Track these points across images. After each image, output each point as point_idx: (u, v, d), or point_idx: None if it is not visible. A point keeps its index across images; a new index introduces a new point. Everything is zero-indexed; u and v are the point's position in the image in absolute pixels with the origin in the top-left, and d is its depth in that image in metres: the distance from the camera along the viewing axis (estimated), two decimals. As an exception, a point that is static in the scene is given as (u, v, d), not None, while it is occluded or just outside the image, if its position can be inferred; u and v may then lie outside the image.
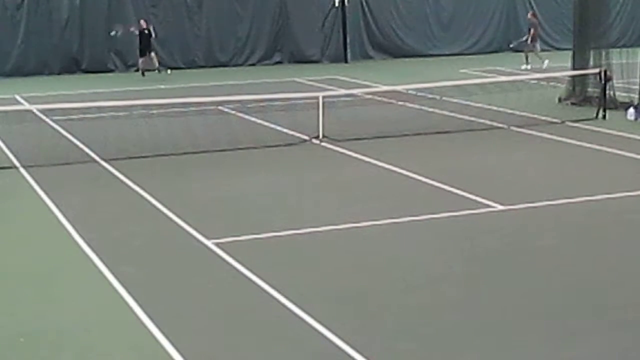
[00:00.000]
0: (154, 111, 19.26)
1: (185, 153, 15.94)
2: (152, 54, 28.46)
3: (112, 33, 28.17)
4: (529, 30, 29.55)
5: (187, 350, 7.62)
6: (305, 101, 19.29)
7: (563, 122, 18.59)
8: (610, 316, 8.27)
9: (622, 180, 13.53)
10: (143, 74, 28.17)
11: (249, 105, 20.44)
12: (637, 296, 8.82)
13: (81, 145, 16.84)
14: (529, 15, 30.86)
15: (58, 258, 10.40)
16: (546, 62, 28.41)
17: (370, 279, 9.41)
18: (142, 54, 28.55)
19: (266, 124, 18.86)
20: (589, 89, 20.69)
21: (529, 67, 28.79)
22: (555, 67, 24.25)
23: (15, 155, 15.96)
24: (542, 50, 34.51)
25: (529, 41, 29.27)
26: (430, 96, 21.53)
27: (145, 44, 28.40)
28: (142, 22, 28.60)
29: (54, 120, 19.51)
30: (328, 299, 8.82)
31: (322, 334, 7.89)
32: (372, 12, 33.04)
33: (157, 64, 28.38)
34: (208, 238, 10.75)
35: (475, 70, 28.58)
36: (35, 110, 19.89)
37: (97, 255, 10.22)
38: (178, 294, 9.08)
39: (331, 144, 16.59)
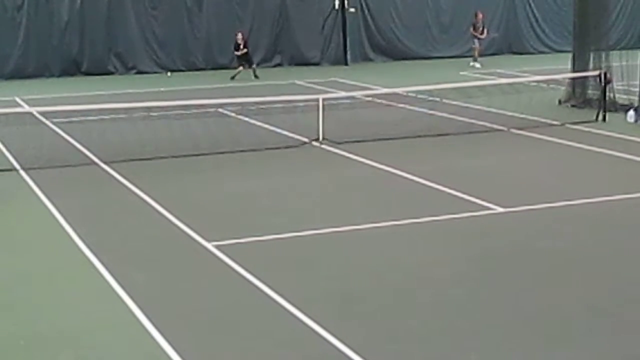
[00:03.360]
0: (154, 113, 19.26)
1: (185, 155, 15.93)
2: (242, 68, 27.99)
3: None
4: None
5: (187, 352, 7.62)
6: (305, 103, 19.27)
7: (563, 124, 18.60)
8: (610, 317, 8.28)
9: (622, 182, 13.52)
10: (233, 77, 27.64)
11: (249, 108, 20.45)
12: (637, 297, 8.82)
13: (81, 148, 16.84)
14: (480, 15, 31.32)
15: (58, 260, 10.40)
16: (477, 65, 30.38)
17: (370, 281, 9.42)
18: (247, 65, 28.02)
19: (266, 126, 18.87)
20: (589, 91, 20.69)
21: (477, 64, 30.27)
22: (555, 70, 24.24)
23: (15, 158, 15.95)
24: (542, 52, 34.74)
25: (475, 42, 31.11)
26: (430, 98, 21.52)
27: (243, 57, 28.05)
28: (239, 35, 28.19)
29: (54, 123, 19.50)
30: (328, 301, 8.82)
31: (323, 337, 7.89)
32: (372, 14, 33.03)
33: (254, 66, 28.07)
34: (208, 240, 10.75)
35: (475, 73, 28.61)
36: (35, 113, 19.88)
37: (97, 257, 10.22)
38: (178, 296, 9.09)
39: (331, 146, 16.59)
